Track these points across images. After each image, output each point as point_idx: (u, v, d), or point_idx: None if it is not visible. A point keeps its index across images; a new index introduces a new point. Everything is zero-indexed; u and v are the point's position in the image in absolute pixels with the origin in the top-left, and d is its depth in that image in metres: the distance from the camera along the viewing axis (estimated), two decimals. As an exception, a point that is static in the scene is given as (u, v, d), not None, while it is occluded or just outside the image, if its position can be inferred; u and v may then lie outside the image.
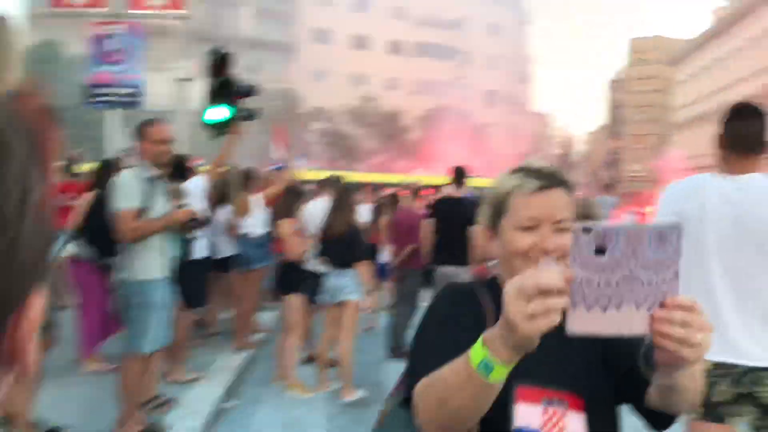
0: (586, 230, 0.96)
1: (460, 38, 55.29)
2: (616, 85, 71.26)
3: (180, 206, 4.52)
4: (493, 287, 1.43)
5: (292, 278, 5.98)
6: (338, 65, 51.18)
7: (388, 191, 11.12)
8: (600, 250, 0.96)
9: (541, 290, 0.96)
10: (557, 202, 1.38)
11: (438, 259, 6.66)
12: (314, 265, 6.02)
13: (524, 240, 1.36)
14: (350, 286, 5.66)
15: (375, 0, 53.94)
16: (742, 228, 2.65)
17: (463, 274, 6.56)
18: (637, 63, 64.71)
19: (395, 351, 7.28)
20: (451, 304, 1.36)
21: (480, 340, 1.07)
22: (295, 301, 5.95)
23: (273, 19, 49.91)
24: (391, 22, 54.07)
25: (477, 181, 12.68)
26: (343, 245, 5.63)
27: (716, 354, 2.59)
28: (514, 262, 1.38)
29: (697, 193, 2.77)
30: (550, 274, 0.97)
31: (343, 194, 5.90)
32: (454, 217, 6.57)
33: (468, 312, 1.35)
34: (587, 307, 0.97)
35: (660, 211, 2.88)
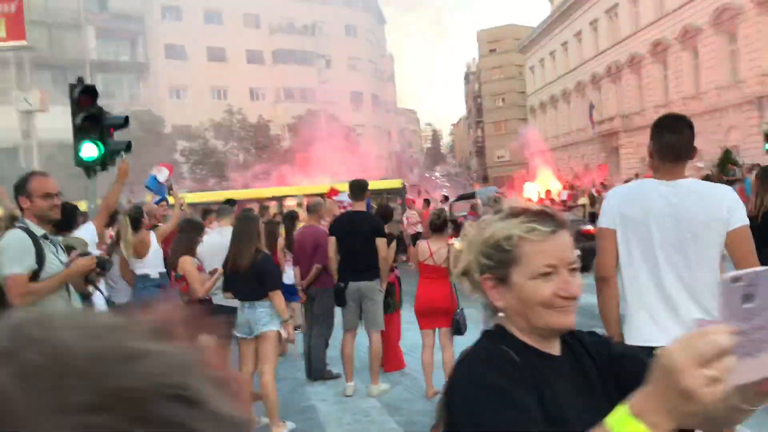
0: (735, 279, 0.95)
1: (318, 42, 55.16)
2: (472, 76, 74.05)
3: (84, 254, 4.16)
4: (507, 340, 1.40)
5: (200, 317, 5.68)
6: (196, 80, 49.52)
7: (274, 205, 10.90)
8: (746, 297, 0.96)
9: (722, 352, 0.92)
10: (567, 244, 1.38)
11: (347, 276, 6.57)
12: (223, 299, 5.76)
13: (546, 288, 1.35)
14: (265, 317, 5.46)
15: (226, 11, 52.57)
16: (681, 226, 2.92)
17: (374, 288, 6.51)
18: (489, 53, 67.52)
19: (315, 373, 7.13)
20: (500, 374, 1.30)
21: (625, 412, 0.98)
22: (205, 341, 5.65)
23: (119, 39, 47.51)
24: (245, 31, 52.96)
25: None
26: (253, 277, 5.39)
27: (671, 339, 2.78)
28: (534, 311, 1.37)
29: (641, 197, 3.03)
30: (720, 333, 0.93)
31: (245, 223, 5.66)
32: (357, 231, 6.50)
33: (517, 377, 1.30)
34: (741, 357, 0.95)
35: (605, 213, 3.06)
